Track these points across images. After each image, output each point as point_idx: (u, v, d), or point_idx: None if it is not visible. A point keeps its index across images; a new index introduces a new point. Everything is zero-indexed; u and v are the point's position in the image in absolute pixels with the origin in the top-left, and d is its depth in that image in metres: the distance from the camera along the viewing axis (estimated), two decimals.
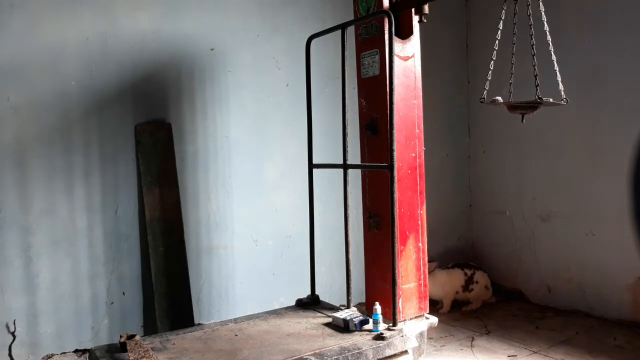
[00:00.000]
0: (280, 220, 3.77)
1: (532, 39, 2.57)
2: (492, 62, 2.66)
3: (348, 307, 2.54)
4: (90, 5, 3.10)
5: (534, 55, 2.60)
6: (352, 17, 2.87)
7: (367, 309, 2.71)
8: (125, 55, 3.21)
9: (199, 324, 3.31)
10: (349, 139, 2.47)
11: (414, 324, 2.72)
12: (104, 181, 3.16)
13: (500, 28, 2.61)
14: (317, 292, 2.95)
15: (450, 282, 4.08)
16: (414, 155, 2.80)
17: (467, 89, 4.73)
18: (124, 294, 3.23)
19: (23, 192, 2.95)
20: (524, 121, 2.65)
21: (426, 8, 2.69)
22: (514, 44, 2.68)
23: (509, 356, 3.23)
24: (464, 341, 3.50)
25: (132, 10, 3.22)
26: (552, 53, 2.55)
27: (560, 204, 4.07)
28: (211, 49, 3.50)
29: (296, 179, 3.73)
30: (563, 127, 3.96)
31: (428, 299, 2.88)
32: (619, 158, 3.66)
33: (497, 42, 2.62)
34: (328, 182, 3.76)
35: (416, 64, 2.81)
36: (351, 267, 2.78)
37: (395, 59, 2.61)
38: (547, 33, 2.54)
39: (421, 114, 2.85)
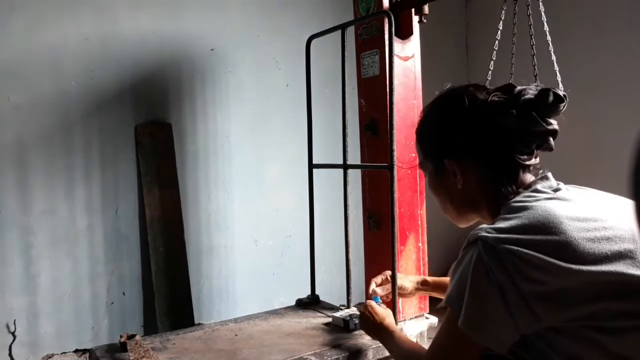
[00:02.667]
0: (280, 220, 3.77)
1: (532, 39, 2.57)
2: (492, 62, 2.66)
3: (348, 307, 2.54)
4: (90, 5, 3.10)
5: (534, 55, 2.60)
6: (352, 18, 2.87)
7: None
8: (125, 55, 3.21)
9: (199, 324, 3.31)
10: (349, 139, 2.46)
11: (414, 324, 2.72)
12: (104, 181, 3.17)
13: (500, 28, 2.61)
14: (317, 292, 2.94)
15: None
16: (414, 155, 2.80)
17: None
18: (124, 294, 3.23)
19: (23, 192, 2.96)
20: None
21: (426, 8, 2.69)
22: (513, 44, 2.68)
23: None
24: None
25: (132, 10, 3.23)
26: (552, 53, 2.55)
27: None
28: (211, 49, 3.50)
29: (296, 179, 3.73)
30: (562, 126, 3.95)
31: (428, 299, 2.88)
32: (619, 158, 3.65)
33: (497, 42, 2.62)
34: (328, 182, 3.76)
35: (416, 64, 2.81)
36: (351, 267, 2.78)
37: (395, 59, 2.60)
38: (547, 33, 2.54)
39: None
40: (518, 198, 1.15)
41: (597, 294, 0.97)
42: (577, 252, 0.99)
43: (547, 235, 1.01)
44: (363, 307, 1.71)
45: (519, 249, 0.99)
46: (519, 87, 1.24)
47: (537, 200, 1.12)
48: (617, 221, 1.06)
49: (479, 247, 1.04)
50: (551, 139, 1.26)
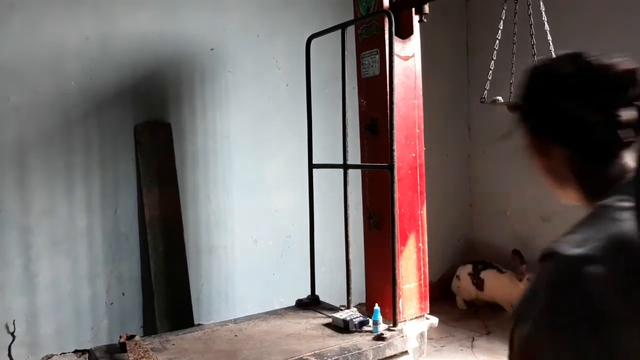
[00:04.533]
0: (280, 220, 3.76)
1: (532, 39, 2.57)
2: (493, 62, 2.66)
3: (348, 307, 2.54)
4: (90, 5, 3.10)
5: (534, 55, 2.60)
6: (352, 17, 2.87)
7: (367, 310, 2.71)
8: (125, 55, 3.20)
9: (199, 325, 3.31)
10: (349, 139, 2.47)
11: (415, 325, 2.72)
12: (103, 181, 3.16)
13: (501, 28, 2.61)
14: (317, 292, 2.94)
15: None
16: (414, 155, 2.80)
17: (467, 89, 4.72)
18: (123, 294, 3.23)
19: (23, 192, 2.95)
20: None
21: (426, 8, 2.69)
22: (514, 44, 2.68)
23: None
24: (465, 341, 3.49)
25: (132, 10, 3.22)
26: (552, 53, 2.55)
27: (560, 204, 3.99)
28: (211, 49, 3.50)
29: (296, 179, 3.73)
30: None
31: (428, 299, 2.88)
32: None
33: (497, 42, 2.62)
34: (328, 182, 3.75)
35: (416, 64, 2.81)
36: (351, 267, 2.78)
37: (396, 59, 2.60)
38: (547, 33, 2.54)
39: (421, 113, 2.84)
40: (606, 202, 0.95)
41: None
42: None
43: (628, 265, 0.86)
44: None
45: (596, 283, 0.85)
46: (608, 62, 1.05)
47: (628, 209, 0.92)
48: None
49: (556, 264, 0.91)
50: (628, 132, 0.97)
